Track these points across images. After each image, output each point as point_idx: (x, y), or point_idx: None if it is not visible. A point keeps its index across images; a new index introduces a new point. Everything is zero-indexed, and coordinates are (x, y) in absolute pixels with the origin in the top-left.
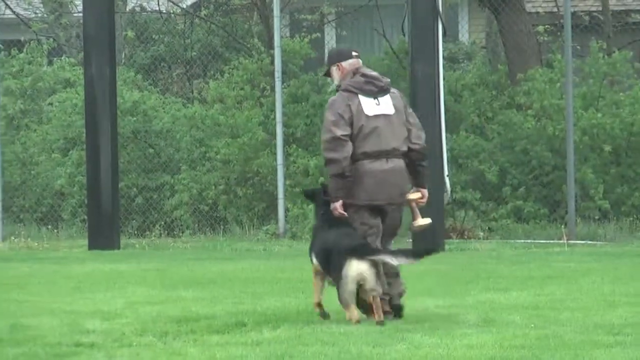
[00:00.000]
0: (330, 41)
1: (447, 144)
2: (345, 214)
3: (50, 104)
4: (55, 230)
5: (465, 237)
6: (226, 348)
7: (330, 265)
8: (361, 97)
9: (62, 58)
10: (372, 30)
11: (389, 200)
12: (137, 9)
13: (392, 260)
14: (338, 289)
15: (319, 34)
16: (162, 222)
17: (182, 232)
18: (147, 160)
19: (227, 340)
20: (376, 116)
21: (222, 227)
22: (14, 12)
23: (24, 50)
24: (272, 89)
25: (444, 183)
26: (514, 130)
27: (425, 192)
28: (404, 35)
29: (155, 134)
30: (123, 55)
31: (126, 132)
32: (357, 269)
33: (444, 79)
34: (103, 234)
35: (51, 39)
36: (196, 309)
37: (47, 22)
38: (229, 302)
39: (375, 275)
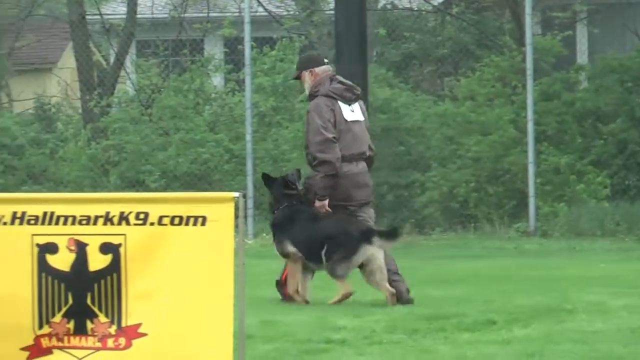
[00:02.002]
0: (582, 39)
1: None
2: (330, 210)
3: (302, 101)
4: None
5: None
6: (476, 346)
7: (323, 251)
8: (340, 103)
9: None
10: (625, 28)
11: (363, 199)
12: (389, 6)
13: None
14: (335, 266)
15: (570, 32)
16: (413, 220)
17: (433, 230)
18: (398, 158)
19: (477, 338)
20: (352, 122)
21: (472, 224)
22: (266, 10)
23: (276, 47)
24: (524, 86)
25: None
26: None
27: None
28: None
29: (406, 132)
30: (374, 53)
31: (377, 130)
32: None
33: None
34: None
35: (303, 37)
36: (446, 306)
37: (299, 19)
38: (478, 300)
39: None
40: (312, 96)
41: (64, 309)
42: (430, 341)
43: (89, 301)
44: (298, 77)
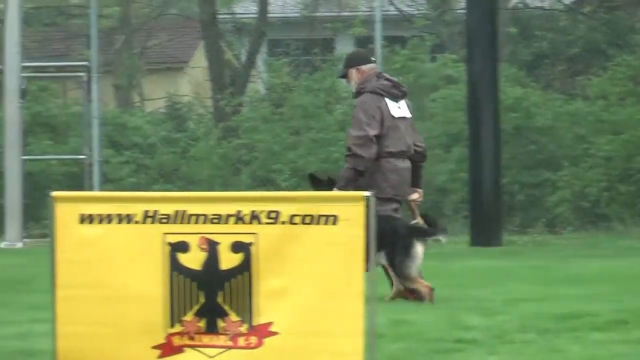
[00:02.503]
0: None
1: None
2: None
3: (433, 100)
4: None
5: None
6: (607, 346)
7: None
8: (387, 100)
9: (445, 54)
10: None
11: (405, 195)
12: (520, 5)
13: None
14: (403, 268)
15: None
16: (544, 219)
17: (564, 229)
18: (529, 157)
19: (608, 338)
20: (399, 118)
21: (603, 224)
22: (397, 9)
23: (407, 46)
24: None
25: None
26: None
27: (422, 192)
28: None
29: (537, 131)
30: (505, 52)
31: (508, 129)
32: (420, 248)
33: None
34: (485, 231)
35: (434, 36)
36: (577, 306)
37: (430, 18)
38: (610, 299)
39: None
40: (358, 93)
41: (195, 308)
42: (561, 341)
43: (220, 300)
44: (344, 76)
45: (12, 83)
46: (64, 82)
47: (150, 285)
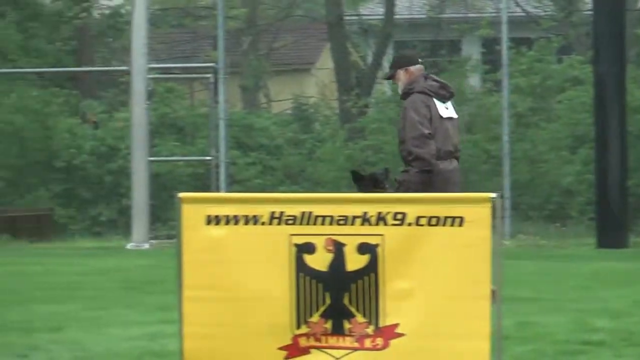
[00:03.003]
0: None
1: None
2: None
3: (559, 101)
4: (563, 228)
5: None
6: None
7: None
8: (435, 100)
9: (571, 56)
10: None
11: None
12: None
13: None
14: None
15: None
16: None
17: None
18: None
19: None
20: (446, 119)
21: None
22: (524, 10)
23: (533, 47)
24: None
25: None
26: None
27: None
28: None
29: None
30: (632, 53)
31: (635, 130)
32: None
33: None
34: (611, 233)
35: (560, 37)
36: None
37: (556, 19)
38: None
39: None
40: (406, 94)
41: (321, 309)
42: None
43: (346, 301)
44: (392, 77)
45: (139, 85)
46: (190, 84)
47: (276, 286)
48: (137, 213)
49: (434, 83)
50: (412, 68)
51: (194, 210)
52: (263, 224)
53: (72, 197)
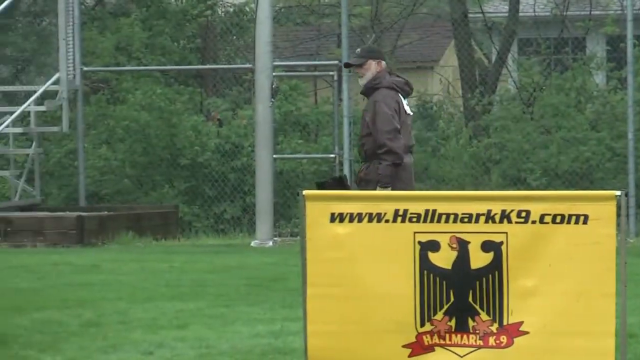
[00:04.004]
0: None
1: None
2: None
3: None
4: None
5: None
6: None
7: None
8: (400, 96)
9: None
10: None
11: (412, 190)
12: None
13: None
14: None
15: None
16: None
17: None
18: None
19: None
20: (408, 114)
21: None
22: None
23: None
24: None
25: None
26: None
27: None
28: None
29: None
30: None
31: None
32: None
33: None
34: None
35: None
36: None
37: None
38: None
39: None
40: (372, 88)
41: (445, 307)
42: None
43: (470, 299)
44: (360, 65)
45: (263, 82)
46: (314, 81)
47: (400, 284)
48: (261, 211)
49: (399, 79)
50: (383, 62)
51: (318, 207)
52: (387, 221)
53: (197, 194)
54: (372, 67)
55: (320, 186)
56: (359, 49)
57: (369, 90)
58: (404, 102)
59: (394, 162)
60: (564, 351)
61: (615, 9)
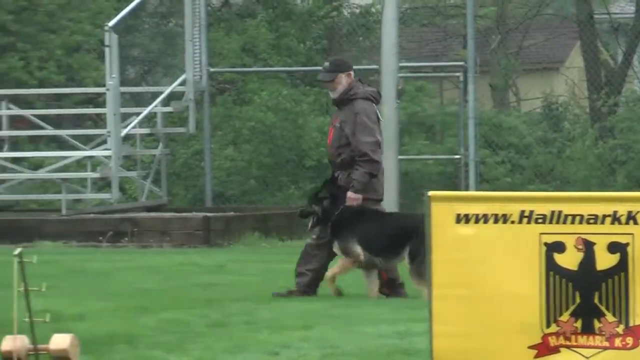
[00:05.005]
0: None
1: None
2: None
3: None
4: None
5: None
6: None
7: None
8: (374, 106)
9: None
10: None
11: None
12: None
13: None
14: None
15: None
16: None
17: None
18: None
19: None
20: (381, 122)
21: None
22: None
23: None
24: None
25: None
26: None
27: None
28: None
29: None
30: None
31: None
32: None
33: None
34: None
35: None
36: None
37: None
38: None
39: None
40: (347, 100)
41: (571, 308)
42: None
43: (596, 300)
44: (330, 81)
45: (389, 83)
46: (440, 82)
47: (526, 285)
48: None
49: (371, 89)
50: (352, 73)
51: (443, 208)
52: (512, 222)
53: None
54: (343, 80)
55: (315, 197)
56: (327, 63)
57: (343, 101)
58: (378, 110)
59: (372, 172)
60: None
61: None
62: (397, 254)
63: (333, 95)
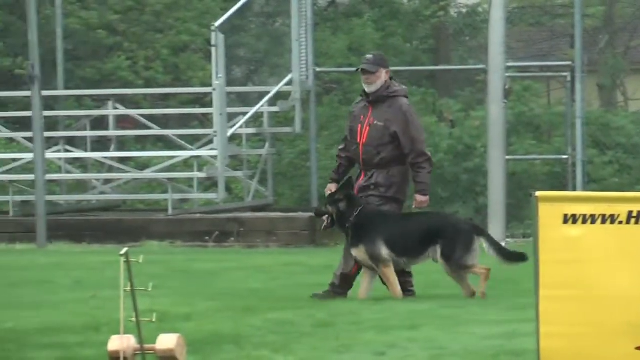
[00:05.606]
0: None
1: None
2: None
3: None
4: None
5: None
6: None
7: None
8: None
9: None
10: None
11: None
12: None
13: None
14: (468, 260)
15: None
16: None
17: None
18: None
19: None
20: None
21: None
22: None
23: None
24: None
25: None
26: None
27: None
28: None
29: None
30: None
31: None
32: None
33: None
34: None
35: None
36: None
37: None
38: None
39: None
40: (385, 97)
41: None
42: None
43: None
44: (372, 73)
45: (496, 83)
46: (547, 82)
47: (634, 286)
48: (494, 212)
49: (405, 87)
50: (389, 71)
51: (550, 209)
52: (620, 223)
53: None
54: (383, 76)
55: (331, 198)
56: (370, 56)
57: (382, 98)
58: None
59: (430, 170)
60: None
61: None
62: (422, 254)
63: (369, 88)
